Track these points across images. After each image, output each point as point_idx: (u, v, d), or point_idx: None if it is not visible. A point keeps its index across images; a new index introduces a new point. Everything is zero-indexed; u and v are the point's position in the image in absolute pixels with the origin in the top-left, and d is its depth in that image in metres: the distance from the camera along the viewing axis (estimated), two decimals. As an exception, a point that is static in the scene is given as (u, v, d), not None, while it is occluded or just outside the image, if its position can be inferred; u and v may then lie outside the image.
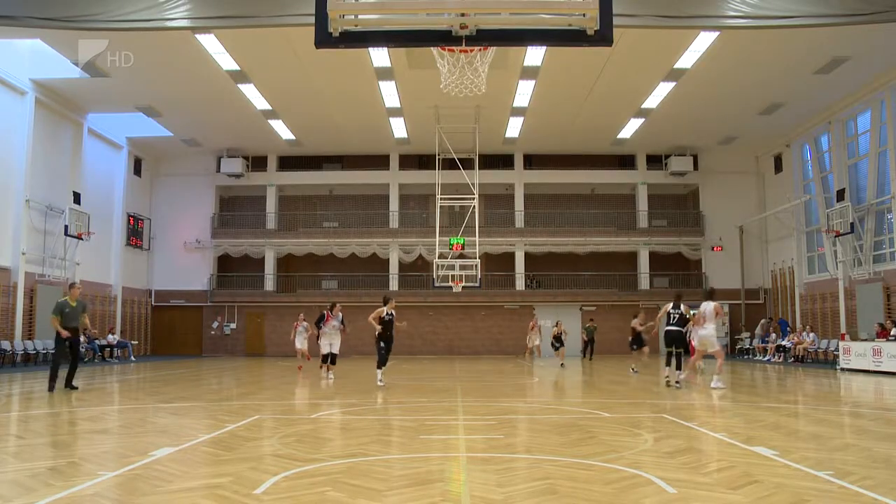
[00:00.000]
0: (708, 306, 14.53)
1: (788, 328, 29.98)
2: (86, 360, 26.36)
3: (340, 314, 17.72)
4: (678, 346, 15.11)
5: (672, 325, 15.08)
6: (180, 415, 10.54)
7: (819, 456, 6.83)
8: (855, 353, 21.73)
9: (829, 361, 25.68)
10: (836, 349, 23.65)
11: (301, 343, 21.99)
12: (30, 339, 25.36)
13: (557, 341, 25.45)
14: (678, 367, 14.99)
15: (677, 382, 14.66)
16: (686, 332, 15.71)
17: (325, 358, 17.71)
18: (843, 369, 21.96)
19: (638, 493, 5.32)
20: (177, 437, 8.18)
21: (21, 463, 6.55)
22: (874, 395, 14.45)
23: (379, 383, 15.14)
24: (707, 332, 14.44)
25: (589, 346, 29.01)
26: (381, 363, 15.49)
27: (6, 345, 23.92)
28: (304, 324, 22.13)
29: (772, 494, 5.21)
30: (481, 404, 11.94)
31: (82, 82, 25.10)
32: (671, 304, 15.68)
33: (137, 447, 7.30)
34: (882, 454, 6.98)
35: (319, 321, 17.61)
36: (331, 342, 17.58)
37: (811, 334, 27.24)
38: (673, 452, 7.05)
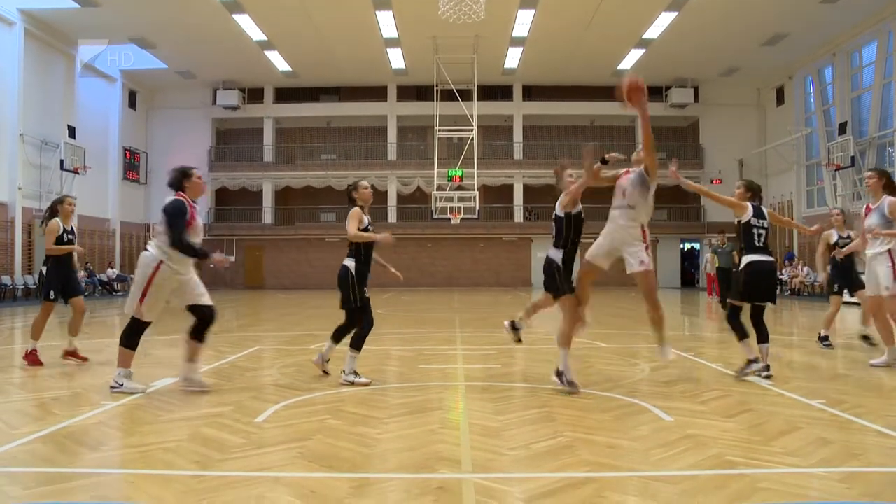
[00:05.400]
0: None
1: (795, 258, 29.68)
2: (86, 294, 26.50)
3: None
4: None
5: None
6: (180, 346, 10.62)
7: (812, 385, 6.93)
8: (851, 286, 21.73)
9: (824, 295, 25.76)
10: (833, 282, 23.70)
11: None
12: (29, 273, 25.43)
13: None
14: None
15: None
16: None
17: (198, 323, 7.27)
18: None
19: (634, 421, 5.41)
20: (177, 368, 8.26)
21: (26, 393, 6.64)
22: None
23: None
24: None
25: (723, 284, 17.41)
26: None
27: (6, 279, 24.03)
28: None
29: (765, 422, 5.30)
30: (480, 335, 12.05)
31: (72, 12, 24.56)
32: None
33: (139, 378, 7.38)
34: (873, 383, 7.08)
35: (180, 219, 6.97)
36: (194, 286, 7.42)
37: (806, 268, 27.33)
38: (669, 382, 7.15)
